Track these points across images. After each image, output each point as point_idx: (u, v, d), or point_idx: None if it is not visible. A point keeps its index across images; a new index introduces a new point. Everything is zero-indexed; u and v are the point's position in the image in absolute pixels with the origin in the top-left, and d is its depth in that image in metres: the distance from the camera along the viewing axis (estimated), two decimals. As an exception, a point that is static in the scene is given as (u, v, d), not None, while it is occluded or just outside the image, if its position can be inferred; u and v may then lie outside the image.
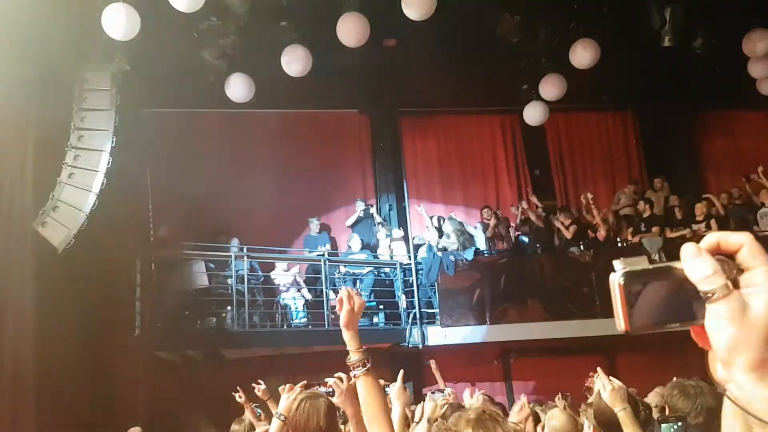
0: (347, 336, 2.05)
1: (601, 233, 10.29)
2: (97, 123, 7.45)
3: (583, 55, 8.82)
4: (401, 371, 3.31)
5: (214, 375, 8.71)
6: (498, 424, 2.00)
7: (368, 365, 2.04)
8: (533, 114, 10.19)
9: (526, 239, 10.64)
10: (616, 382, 3.04)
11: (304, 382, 3.33)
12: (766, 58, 9.23)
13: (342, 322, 2.05)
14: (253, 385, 5.01)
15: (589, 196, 10.40)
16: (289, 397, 3.05)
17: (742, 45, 9.10)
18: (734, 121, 12.00)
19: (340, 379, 2.92)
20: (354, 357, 2.05)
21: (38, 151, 7.19)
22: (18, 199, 7.05)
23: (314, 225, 10.54)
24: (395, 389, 3.10)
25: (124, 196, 8.22)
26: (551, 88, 9.52)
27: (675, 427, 1.87)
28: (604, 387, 2.97)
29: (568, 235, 10.15)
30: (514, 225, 10.98)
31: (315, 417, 2.77)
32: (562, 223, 10.26)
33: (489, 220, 10.57)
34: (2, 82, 6.70)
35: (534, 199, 10.96)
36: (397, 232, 10.55)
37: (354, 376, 2.05)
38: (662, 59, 9.72)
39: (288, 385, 3.31)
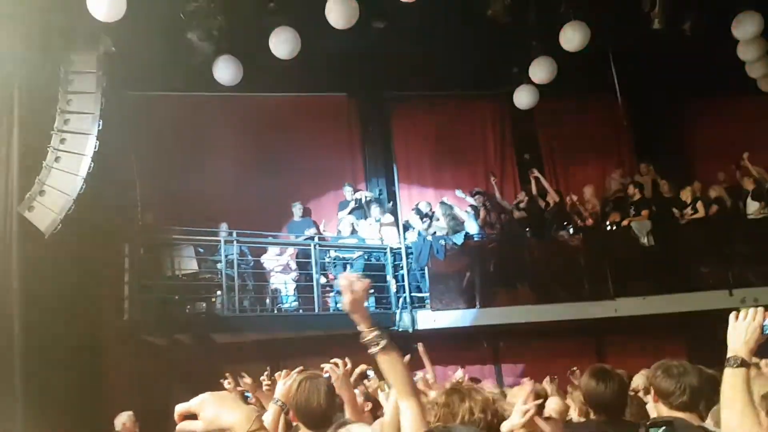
0: (355, 319, 2.04)
1: (589, 221, 10.37)
2: (83, 106, 7.34)
3: (573, 37, 8.78)
4: (407, 356, 3.32)
5: (204, 359, 8.72)
6: (474, 391, 2.13)
7: (382, 343, 2.02)
8: (523, 97, 10.18)
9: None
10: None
11: (301, 367, 3.34)
12: (755, 41, 9.23)
13: (346, 308, 2.04)
14: (241, 375, 5.00)
15: (574, 197, 10.58)
16: (286, 382, 3.06)
17: (731, 28, 9.09)
18: (723, 106, 12.02)
19: (336, 365, 2.92)
20: (370, 336, 2.03)
21: (24, 134, 7.09)
22: (3, 184, 6.96)
23: (297, 210, 10.50)
24: None
25: (111, 180, 8.15)
26: (541, 71, 9.49)
27: (661, 430, 1.90)
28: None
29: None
30: (510, 205, 10.97)
31: (315, 396, 2.80)
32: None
33: (480, 206, 10.57)
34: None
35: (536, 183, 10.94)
36: (387, 218, 10.53)
37: (373, 354, 2.06)
38: (652, 42, 9.70)
39: (285, 371, 3.32)
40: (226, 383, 5.25)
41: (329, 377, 2.90)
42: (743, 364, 2.18)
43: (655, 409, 2.97)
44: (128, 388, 7.75)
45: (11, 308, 6.64)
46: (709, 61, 10.19)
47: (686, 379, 2.78)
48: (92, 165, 7.23)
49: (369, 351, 2.05)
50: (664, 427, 1.91)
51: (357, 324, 2.06)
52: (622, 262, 9.92)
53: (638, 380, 5.11)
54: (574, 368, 6.41)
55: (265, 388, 4.47)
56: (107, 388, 7.61)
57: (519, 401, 2.93)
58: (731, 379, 2.18)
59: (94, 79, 7.41)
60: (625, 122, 11.55)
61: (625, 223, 10.24)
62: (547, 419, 3.57)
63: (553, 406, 3.86)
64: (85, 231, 7.48)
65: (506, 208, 10.99)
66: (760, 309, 2.24)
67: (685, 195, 10.46)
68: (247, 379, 4.94)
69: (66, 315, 6.98)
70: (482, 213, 10.43)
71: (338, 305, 9.90)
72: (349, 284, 2.01)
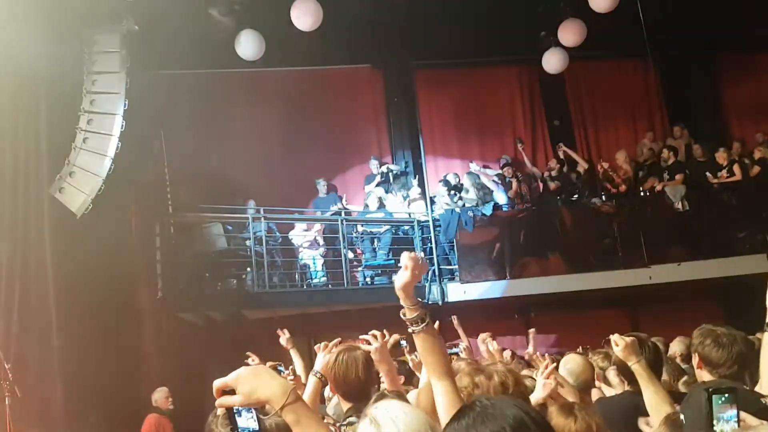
0: (401, 296, 1.97)
1: (622, 187, 10.16)
2: (108, 86, 7.37)
3: (602, -3, 8.52)
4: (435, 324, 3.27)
5: (236, 335, 8.80)
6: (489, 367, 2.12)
7: (426, 321, 1.96)
8: (552, 61, 9.92)
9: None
10: (628, 339, 3.00)
11: (339, 339, 3.34)
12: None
13: (398, 284, 1.95)
14: (278, 332, 5.03)
15: (605, 165, 10.38)
16: (325, 355, 3.07)
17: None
18: (759, 64, 11.63)
19: (374, 337, 2.91)
20: (410, 314, 1.96)
21: (51, 117, 7.14)
22: (34, 166, 7.04)
23: (321, 186, 10.47)
24: None
25: (139, 159, 8.19)
26: (570, 34, 9.25)
27: (724, 397, 1.81)
28: (617, 344, 2.94)
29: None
30: (541, 174, 10.81)
31: (354, 368, 2.82)
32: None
33: (510, 178, 10.41)
34: (11, 48, 6.62)
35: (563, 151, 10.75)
36: (414, 192, 10.42)
37: (412, 332, 1.99)
38: (685, 1, 9.38)
39: (323, 343, 3.33)
40: (249, 361, 5.26)
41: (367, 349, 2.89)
42: None
43: (699, 375, 2.88)
44: (163, 364, 7.86)
45: (46, 289, 6.75)
46: (743, 19, 9.83)
47: (736, 349, 2.69)
48: (120, 145, 7.26)
49: (410, 330, 1.99)
50: (727, 394, 1.82)
51: (402, 301, 1.98)
52: (656, 228, 9.71)
53: (675, 347, 5.01)
54: (609, 337, 6.31)
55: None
56: (142, 365, 7.73)
57: (540, 375, 2.89)
58: None
59: (118, 59, 7.41)
60: (656, 84, 11.24)
61: (658, 188, 10.01)
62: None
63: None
64: (116, 211, 7.55)
65: (537, 175, 10.83)
66: None
67: (720, 158, 10.17)
68: (287, 334, 4.98)
69: (100, 294, 7.07)
70: (514, 185, 10.26)
71: (367, 279, 9.91)
72: (413, 264, 1.93)
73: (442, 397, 2.00)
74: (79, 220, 7.13)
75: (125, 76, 7.42)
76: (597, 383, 3.76)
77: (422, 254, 2.22)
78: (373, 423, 1.39)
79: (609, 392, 3.71)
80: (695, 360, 2.85)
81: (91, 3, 7.43)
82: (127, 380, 7.22)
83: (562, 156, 10.67)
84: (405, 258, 1.97)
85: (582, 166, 10.39)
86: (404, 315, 1.98)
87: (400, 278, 1.95)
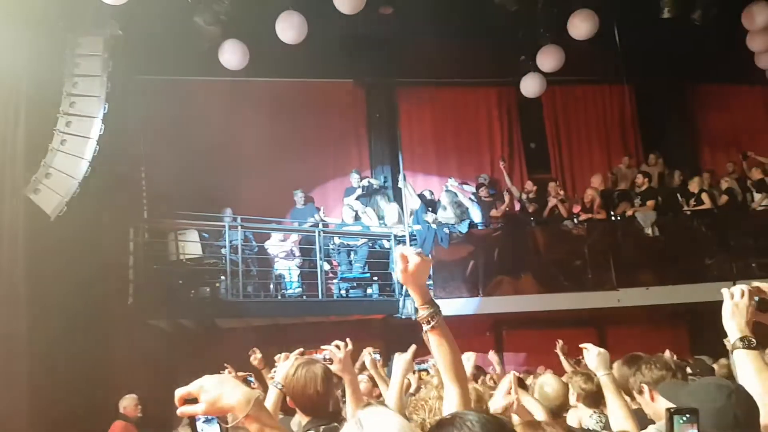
0: (411, 292, 1.96)
1: (600, 215, 10.28)
2: (89, 89, 7.35)
3: (581, 26, 8.72)
4: (413, 346, 3.32)
5: (208, 344, 8.76)
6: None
7: (434, 321, 1.94)
8: (530, 86, 10.11)
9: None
10: (601, 349, 3.05)
11: (301, 349, 3.34)
12: (765, 31, 9.14)
13: (400, 280, 1.95)
14: (250, 353, 4.97)
15: (554, 201, 10.35)
16: (285, 365, 3.05)
17: (741, 17, 9.02)
18: (731, 96, 11.96)
19: (338, 347, 2.93)
20: (421, 313, 1.95)
21: (30, 117, 7.09)
22: (10, 166, 6.97)
23: (299, 197, 10.48)
24: (403, 359, 3.14)
25: (116, 163, 8.15)
26: (549, 59, 9.43)
27: (684, 418, 1.87)
28: (588, 350, 2.96)
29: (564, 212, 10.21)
30: (519, 193, 10.94)
31: (312, 383, 2.79)
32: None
33: (486, 197, 10.54)
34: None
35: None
36: (392, 214, 10.43)
37: (423, 332, 1.98)
38: (661, 32, 9.63)
39: (284, 354, 3.32)
40: (226, 372, 5.22)
41: (327, 362, 2.90)
42: (757, 344, 2.12)
43: (650, 406, 2.79)
44: (132, 371, 7.79)
45: (17, 290, 6.67)
46: (718, 51, 10.12)
47: (666, 361, 2.78)
48: (98, 148, 7.24)
49: (424, 328, 1.96)
50: (688, 415, 1.87)
51: (413, 298, 1.97)
52: (626, 253, 9.91)
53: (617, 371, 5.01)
54: (579, 357, 6.44)
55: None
56: (111, 371, 7.65)
57: (503, 386, 2.90)
58: (754, 361, 2.11)
59: (100, 63, 7.41)
60: (631, 111, 11.48)
61: (629, 212, 10.21)
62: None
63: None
64: (91, 214, 7.50)
65: (515, 195, 10.97)
66: (754, 286, 2.22)
67: (693, 186, 10.42)
68: (258, 354, 4.88)
69: (70, 298, 7.00)
70: (505, 203, 10.40)
71: (342, 292, 9.93)
72: (402, 256, 1.91)
73: (450, 404, 1.98)
74: (53, 222, 7.08)
75: (106, 79, 7.41)
76: (574, 403, 3.78)
77: (415, 250, 2.19)
78: (358, 425, 1.36)
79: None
80: (646, 395, 2.80)
81: (75, 6, 7.42)
82: (96, 386, 7.14)
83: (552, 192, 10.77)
84: (395, 252, 1.99)
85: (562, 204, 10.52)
86: (417, 315, 1.98)
87: (396, 272, 1.96)
